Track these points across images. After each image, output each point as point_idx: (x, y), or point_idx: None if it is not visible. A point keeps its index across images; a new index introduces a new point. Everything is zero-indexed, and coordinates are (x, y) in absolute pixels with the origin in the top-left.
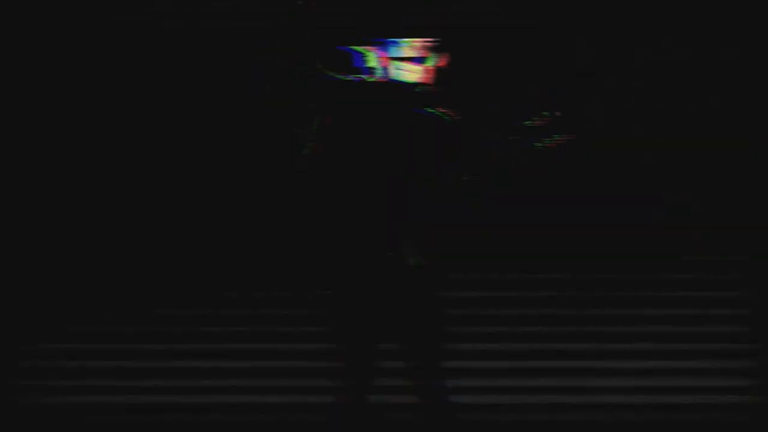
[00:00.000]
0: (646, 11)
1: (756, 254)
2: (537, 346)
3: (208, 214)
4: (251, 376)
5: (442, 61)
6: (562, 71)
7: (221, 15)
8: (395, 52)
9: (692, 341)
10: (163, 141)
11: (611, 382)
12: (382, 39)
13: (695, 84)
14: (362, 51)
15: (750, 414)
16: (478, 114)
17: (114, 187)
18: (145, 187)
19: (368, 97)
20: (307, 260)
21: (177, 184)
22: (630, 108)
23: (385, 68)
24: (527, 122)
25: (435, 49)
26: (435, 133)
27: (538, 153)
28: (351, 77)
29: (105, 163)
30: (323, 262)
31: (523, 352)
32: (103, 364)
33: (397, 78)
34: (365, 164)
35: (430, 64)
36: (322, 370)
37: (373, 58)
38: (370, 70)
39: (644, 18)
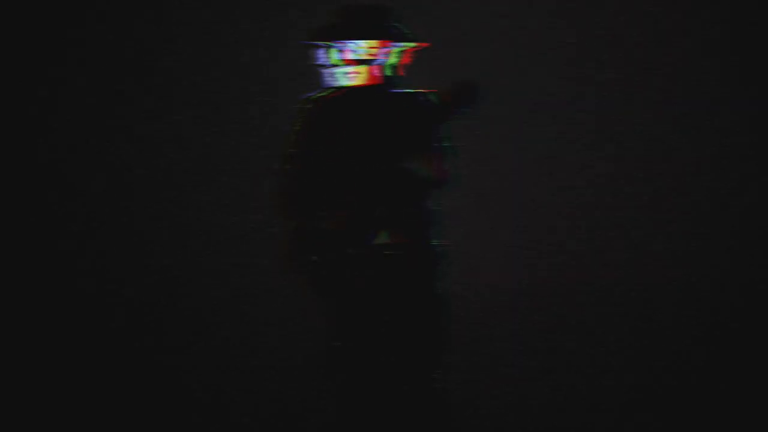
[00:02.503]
0: None
1: None
2: None
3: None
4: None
5: (406, 59)
6: None
7: None
8: (355, 51)
9: None
10: None
11: None
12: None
13: None
14: (325, 46)
15: None
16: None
17: None
18: None
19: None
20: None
21: None
22: None
23: (348, 64)
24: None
25: (395, 50)
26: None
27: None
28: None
29: None
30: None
31: None
32: None
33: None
34: (352, 154)
35: (394, 61)
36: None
37: (335, 54)
38: (333, 66)
39: None
